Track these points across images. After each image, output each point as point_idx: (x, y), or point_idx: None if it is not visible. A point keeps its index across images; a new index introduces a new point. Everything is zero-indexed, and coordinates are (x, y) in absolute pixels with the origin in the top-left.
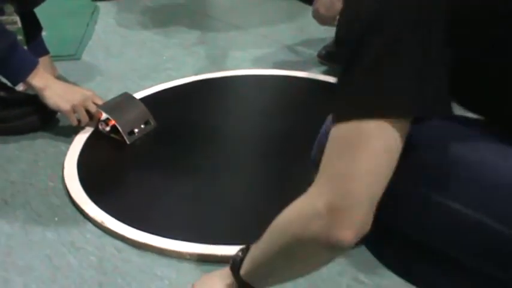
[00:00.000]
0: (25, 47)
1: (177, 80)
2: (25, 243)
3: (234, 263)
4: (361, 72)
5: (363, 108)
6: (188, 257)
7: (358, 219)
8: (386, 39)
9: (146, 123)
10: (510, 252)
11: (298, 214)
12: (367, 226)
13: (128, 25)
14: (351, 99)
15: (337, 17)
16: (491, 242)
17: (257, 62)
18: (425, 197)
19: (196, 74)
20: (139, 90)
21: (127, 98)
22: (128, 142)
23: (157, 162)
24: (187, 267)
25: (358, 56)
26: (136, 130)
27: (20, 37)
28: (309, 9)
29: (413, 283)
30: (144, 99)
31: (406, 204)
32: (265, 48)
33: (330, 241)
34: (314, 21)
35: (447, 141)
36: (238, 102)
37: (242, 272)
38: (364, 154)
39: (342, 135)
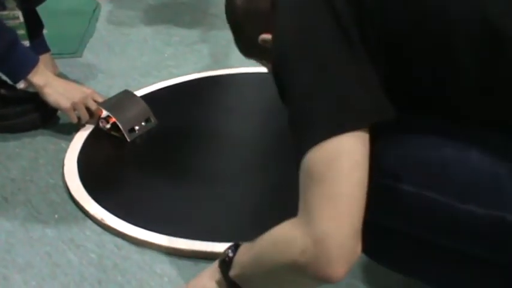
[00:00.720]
0: (27, 42)
1: (179, 78)
2: (25, 240)
3: (224, 262)
4: (298, 105)
5: (316, 132)
6: (188, 254)
7: (344, 252)
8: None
9: (147, 120)
10: (492, 232)
11: (285, 243)
12: (356, 253)
13: (130, 23)
14: (301, 131)
15: None
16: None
17: None
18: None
19: (197, 72)
20: (141, 88)
21: (128, 95)
22: (128, 139)
23: (157, 159)
24: (187, 264)
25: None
26: (137, 127)
27: (22, 31)
28: None
29: (403, 273)
30: (145, 97)
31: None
32: None
33: (319, 276)
34: None
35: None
36: (239, 101)
37: (231, 273)
38: (334, 179)
39: (309, 167)
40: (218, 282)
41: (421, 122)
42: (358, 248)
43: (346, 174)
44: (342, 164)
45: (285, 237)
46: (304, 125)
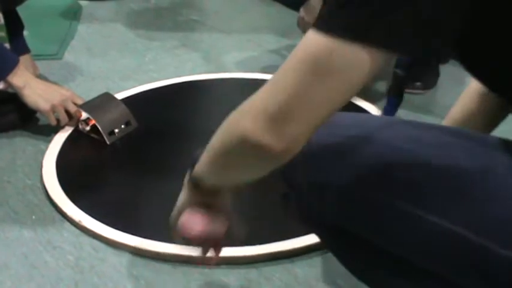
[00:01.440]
0: (7, 45)
1: (159, 82)
2: (1, 241)
3: (192, 159)
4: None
5: (358, 29)
6: (164, 257)
7: (291, 135)
8: None
9: (127, 123)
10: (489, 265)
11: (239, 109)
12: (298, 145)
13: (111, 26)
14: (347, 17)
15: None
16: (467, 254)
17: (240, 66)
18: (397, 208)
19: (178, 76)
20: (121, 91)
21: (108, 98)
22: (108, 142)
23: (136, 162)
24: (164, 267)
25: None
26: (116, 130)
27: (2, 34)
28: (292, 14)
29: None
30: (125, 100)
31: (376, 215)
32: (248, 52)
33: (256, 143)
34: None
35: (420, 153)
36: (219, 105)
37: (194, 172)
38: (333, 82)
39: (317, 49)
40: (189, 189)
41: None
42: (300, 145)
43: (346, 87)
44: (353, 75)
45: (243, 104)
46: (360, 15)
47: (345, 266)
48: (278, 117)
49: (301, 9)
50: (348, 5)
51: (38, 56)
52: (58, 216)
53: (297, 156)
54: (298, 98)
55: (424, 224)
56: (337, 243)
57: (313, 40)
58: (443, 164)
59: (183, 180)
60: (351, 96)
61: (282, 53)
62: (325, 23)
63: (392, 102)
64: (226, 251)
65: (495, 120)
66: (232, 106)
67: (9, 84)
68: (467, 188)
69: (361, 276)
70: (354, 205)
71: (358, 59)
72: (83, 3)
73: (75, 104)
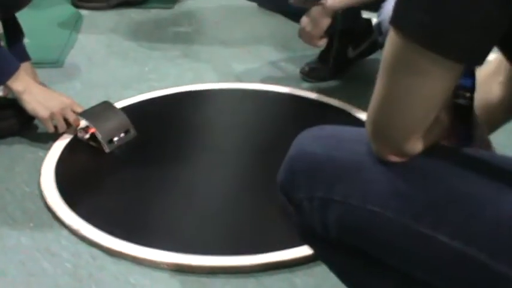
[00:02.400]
0: None
1: (159, 91)
2: None
3: None
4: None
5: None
6: (163, 266)
7: (394, 141)
8: None
9: (126, 132)
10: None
11: None
12: (405, 149)
13: (112, 35)
14: (433, 27)
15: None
16: (478, 276)
17: (240, 77)
18: (408, 227)
19: (178, 86)
20: (121, 100)
21: (108, 106)
22: (107, 150)
23: (135, 171)
24: (162, 276)
25: None
26: (116, 139)
27: (1, 43)
28: (292, 26)
29: None
30: (125, 109)
31: (387, 233)
32: (248, 63)
33: (376, 153)
34: (298, 38)
35: (439, 174)
36: (219, 115)
37: None
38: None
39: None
40: None
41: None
42: (413, 149)
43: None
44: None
45: None
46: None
47: (342, 281)
48: (378, 126)
49: (302, 20)
50: (425, 10)
51: (38, 64)
52: (56, 224)
53: (296, 171)
54: (389, 101)
55: (433, 242)
56: (336, 257)
57: (390, 39)
58: (455, 183)
59: (180, 189)
60: (441, 98)
61: (282, 64)
62: (401, 22)
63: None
64: (225, 261)
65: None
66: (231, 116)
67: (10, 89)
68: (479, 210)
69: None
70: (358, 221)
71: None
72: (83, 12)
73: (74, 112)
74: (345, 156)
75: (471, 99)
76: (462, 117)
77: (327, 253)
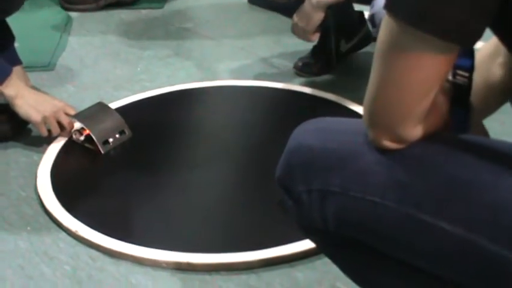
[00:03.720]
0: None
1: (152, 91)
2: None
3: None
4: None
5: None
6: (163, 265)
7: (388, 127)
8: None
9: (121, 132)
10: (500, 271)
11: None
12: (401, 135)
13: (102, 37)
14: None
15: (316, 32)
16: (480, 262)
17: (233, 74)
18: (409, 216)
19: (171, 85)
20: (114, 101)
21: (102, 107)
22: (102, 152)
23: (131, 171)
24: (163, 275)
25: None
26: (111, 140)
27: None
28: (284, 21)
29: None
30: (118, 109)
31: (388, 223)
32: (241, 60)
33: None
34: (290, 33)
35: (437, 161)
36: (213, 113)
37: None
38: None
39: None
40: None
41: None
42: (412, 136)
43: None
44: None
45: None
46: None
47: (345, 273)
48: (375, 112)
49: (295, 16)
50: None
51: (29, 68)
52: (54, 226)
53: (293, 165)
54: (384, 85)
55: (435, 230)
56: (338, 250)
57: (384, 24)
58: (454, 170)
59: (176, 188)
60: (437, 81)
61: (275, 60)
62: (394, 5)
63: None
64: (226, 257)
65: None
66: (226, 114)
67: (2, 94)
68: (478, 195)
69: (363, 283)
70: (358, 212)
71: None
72: (73, 14)
73: (68, 114)
74: (341, 147)
75: (470, 79)
76: (460, 99)
77: (328, 246)
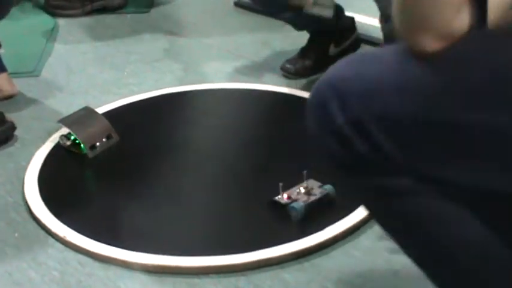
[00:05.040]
0: None
1: (139, 95)
2: None
3: None
4: None
5: None
6: (152, 269)
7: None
8: None
9: (108, 137)
10: None
11: None
12: (459, 27)
13: (88, 42)
14: None
15: None
16: None
17: (221, 76)
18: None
19: (158, 89)
20: (101, 105)
21: (88, 112)
22: (89, 156)
23: (119, 176)
24: (151, 279)
25: None
26: (98, 144)
27: None
28: (270, 24)
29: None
30: (106, 114)
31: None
32: (228, 63)
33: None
34: (277, 35)
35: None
36: (201, 116)
37: None
38: None
39: None
40: None
41: None
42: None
43: None
44: None
45: None
46: None
47: (399, 231)
48: (416, 9)
49: None
50: None
51: (15, 74)
52: (42, 232)
53: (328, 98)
54: None
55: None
56: (376, 189)
57: None
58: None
59: (164, 192)
60: None
61: (263, 62)
62: None
63: None
64: (214, 260)
65: None
66: (214, 117)
67: None
68: None
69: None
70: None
71: None
72: (59, 20)
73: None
74: (378, 73)
75: None
76: None
77: (367, 184)
